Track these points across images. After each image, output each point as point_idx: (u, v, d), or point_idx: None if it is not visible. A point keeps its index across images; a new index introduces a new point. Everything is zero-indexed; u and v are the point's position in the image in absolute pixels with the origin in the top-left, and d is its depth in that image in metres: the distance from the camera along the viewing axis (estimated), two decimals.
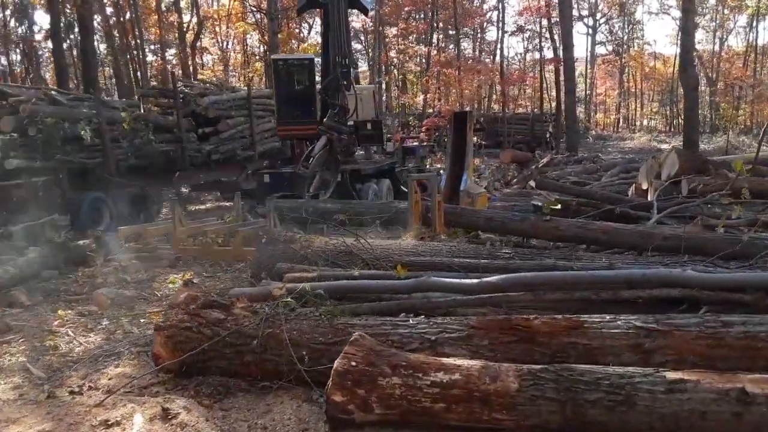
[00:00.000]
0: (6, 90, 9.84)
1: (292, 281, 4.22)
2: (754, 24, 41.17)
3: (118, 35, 28.28)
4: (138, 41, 27.86)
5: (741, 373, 2.61)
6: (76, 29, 22.15)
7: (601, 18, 45.48)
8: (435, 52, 35.21)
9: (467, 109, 27.14)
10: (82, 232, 8.20)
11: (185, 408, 3.04)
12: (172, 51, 34.41)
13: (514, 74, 36.39)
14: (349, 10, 11.54)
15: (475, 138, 13.92)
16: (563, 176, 13.05)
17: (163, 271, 6.61)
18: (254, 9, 30.61)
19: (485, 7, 40.89)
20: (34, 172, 9.23)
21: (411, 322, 3.33)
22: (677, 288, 3.45)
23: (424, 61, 36.33)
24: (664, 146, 26.55)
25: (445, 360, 2.88)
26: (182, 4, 32.11)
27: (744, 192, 6.03)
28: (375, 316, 3.58)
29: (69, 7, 23.17)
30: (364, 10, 12.45)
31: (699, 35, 40.63)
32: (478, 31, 40.77)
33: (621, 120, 49.85)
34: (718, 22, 43.13)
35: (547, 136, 29.01)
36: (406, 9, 35.39)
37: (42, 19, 68.63)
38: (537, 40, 37.67)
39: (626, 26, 47.35)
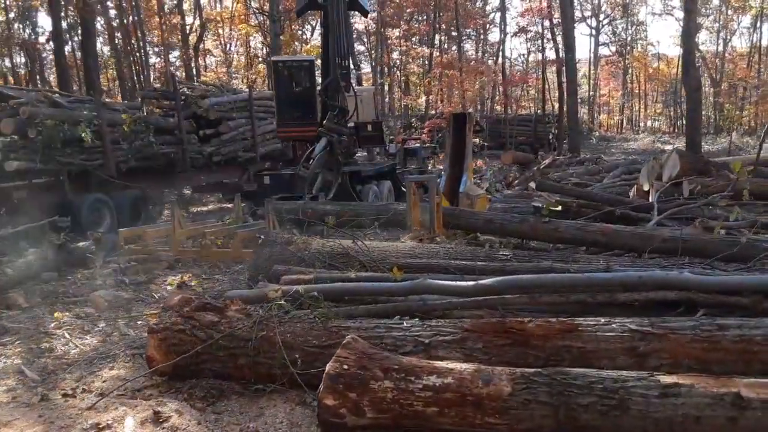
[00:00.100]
0: (6, 92, 9.87)
1: (288, 283, 4.19)
2: (758, 25, 41.05)
3: (121, 38, 28.38)
4: (141, 43, 27.96)
5: (736, 377, 2.57)
6: (79, 31, 22.23)
7: (604, 19, 45.44)
8: (437, 53, 35.20)
9: (469, 110, 27.11)
10: (83, 234, 8.21)
11: (177, 411, 3.03)
12: (176, 53, 34.54)
13: (516, 75, 36.32)
14: (350, 12, 11.54)
15: (475, 139, 13.89)
16: (565, 177, 12.91)
17: (161, 273, 6.62)
18: (257, 11, 30.66)
19: (487, 8, 40.95)
20: (35, 174, 9.25)
21: (405, 325, 3.31)
22: (674, 290, 3.41)
23: (426, 62, 36.33)
24: (667, 147, 26.44)
25: (437, 363, 2.85)
26: (185, 6, 32.23)
27: (744, 194, 5.98)
28: (371, 318, 3.55)
29: (72, 9, 23.27)
30: (364, 12, 12.44)
31: (702, 36, 40.71)
32: (481, 32, 40.77)
33: (625, 121, 49.67)
34: (721, 22, 42.95)
35: (550, 137, 28.99)
36: (408, 11, 35.42)
37: (45, 21, 68.94)
38: (539, 42, 37.63)
39: (629, 27, 47.25)
